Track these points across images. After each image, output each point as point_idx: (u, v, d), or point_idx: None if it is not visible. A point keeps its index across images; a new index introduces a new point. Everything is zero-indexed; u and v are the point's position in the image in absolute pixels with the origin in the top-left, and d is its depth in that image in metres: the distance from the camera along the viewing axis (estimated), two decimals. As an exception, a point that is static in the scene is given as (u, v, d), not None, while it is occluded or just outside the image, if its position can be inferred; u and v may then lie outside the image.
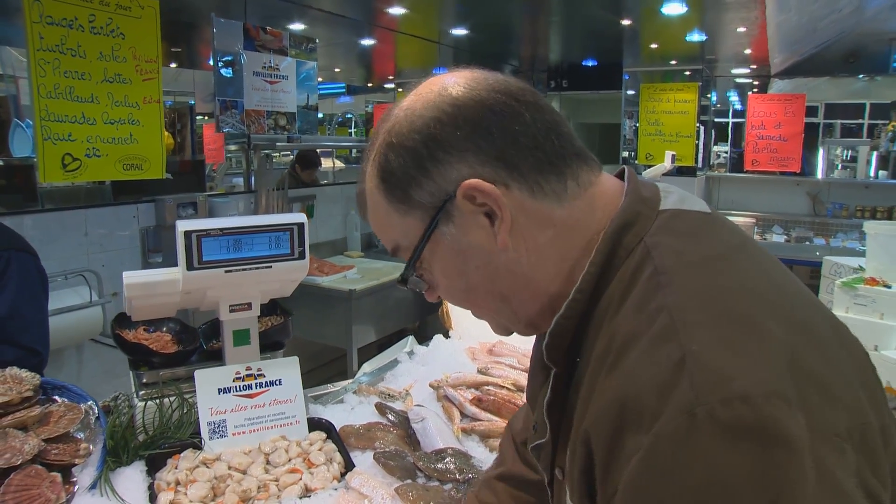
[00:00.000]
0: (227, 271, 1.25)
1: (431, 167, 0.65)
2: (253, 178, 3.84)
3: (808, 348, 0.53)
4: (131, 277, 1.22)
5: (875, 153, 7.49)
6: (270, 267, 1.30)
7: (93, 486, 1.17)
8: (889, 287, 3.06)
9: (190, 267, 1.21)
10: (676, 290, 0.56)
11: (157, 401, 1.36)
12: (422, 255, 0.69)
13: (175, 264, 1.26)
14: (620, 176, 0.71)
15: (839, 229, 6.68)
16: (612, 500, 0.54)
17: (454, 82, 0.67)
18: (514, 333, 0.75)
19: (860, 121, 10.81)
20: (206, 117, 7.01)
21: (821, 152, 7.62)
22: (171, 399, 1.37)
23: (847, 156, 8.43)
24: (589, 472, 0.58)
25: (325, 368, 4.11)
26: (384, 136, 0.68)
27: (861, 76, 8.03)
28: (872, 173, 7.27)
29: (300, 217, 1.32)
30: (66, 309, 2.67)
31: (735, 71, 7.58)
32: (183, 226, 1.21)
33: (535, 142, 0.64)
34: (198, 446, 1.30)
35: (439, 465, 1.34)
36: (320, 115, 4.62)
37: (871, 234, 3.28)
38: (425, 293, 0.74)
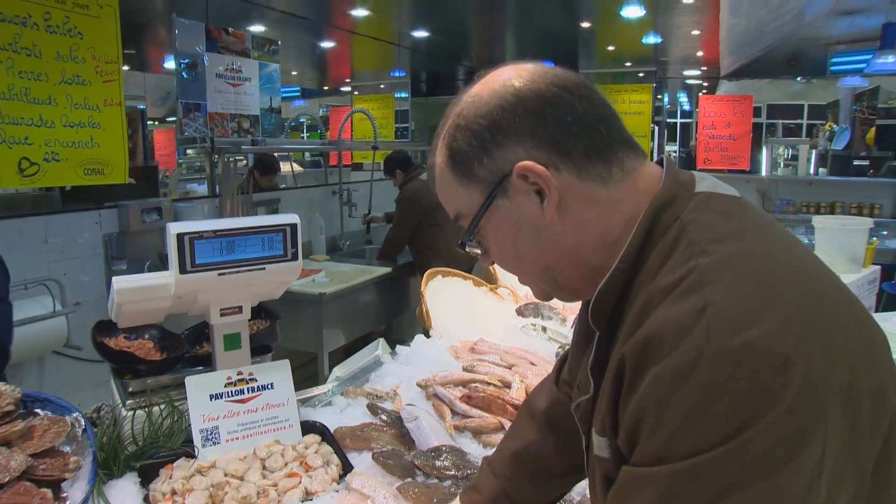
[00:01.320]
0: (220, 274, 1.23)
1: (492, 148, 0.73)
2: (217, 183, 3.75)
3: (819, 313, 0.60)
4: (122, 283, 1.18)
5: (814, 152, 7.85)
6: (264, 269, 1.28)
7: (85, 501, 1.13)
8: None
9: (183, 270, 1.18)
10: (708, 255, 0.63)
11: (146, 409, 1.32)
12: (479, 224, 0.77)
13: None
14: (661, 164, 0.78)
15: (788, 224, 6.96)
16: (624, 419, 0.64)
17: (517, 74, 0.75)
18: (554, 299, 0.83)
19: (799, 121, 11.31)
20: (157, 122, 6.81)
21: (764, 151, 7.94)
22: (161, 407, 1.33)
23: (788, 154, 8.81)
24: (617, 398, 0.67)
25: (295, 373, 4.04)
26: (453, 119, 0.77)
27: (799, 79, 8.42)
28: (812, 171, 7.62)
29: (293, 218, 1.30)
30: (29, 320, 2.54)
31: (687, 72, 7.82)
32: (175, 228, 1.17)
33: (584, 130, 0.72)
34: (191, 454, 1.27)
35: (437, 463, 1.34)
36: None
37: (819, 227, 3.44)
38: (481, 258, 0.83)
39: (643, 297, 0.66)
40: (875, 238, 3.28)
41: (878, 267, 3.13)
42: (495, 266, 2.74)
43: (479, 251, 0.82)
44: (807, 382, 0.55)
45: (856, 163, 6.61)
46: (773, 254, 0.65)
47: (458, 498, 1.09)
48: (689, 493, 0.57)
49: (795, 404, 0.54)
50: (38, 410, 1.29)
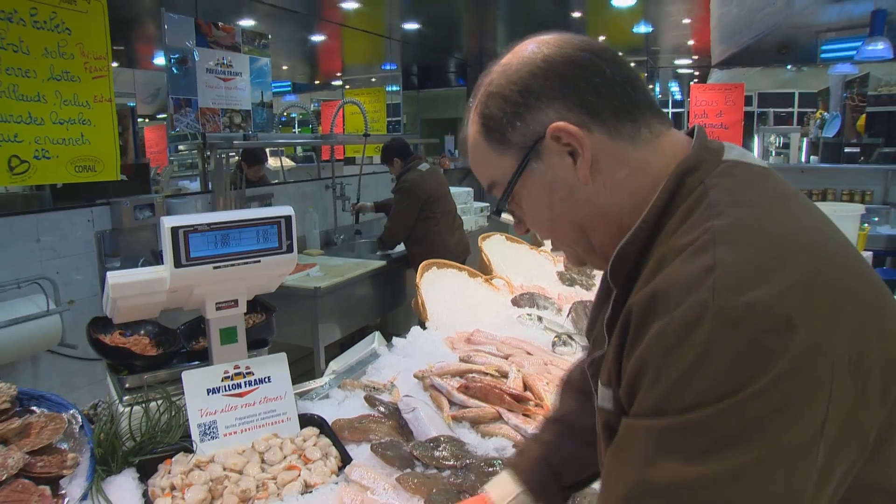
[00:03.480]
0: (215, 267, 1.22)
1: (525, 112, 0.75)
2: (210, 179, 3.73)
3: (829, 278, 0.60)
4: (116, 277, 1.17)
5: (805, 140, 7.88)
6: (259, 261, 1.27)
7: (84, 498, 1.13)
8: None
9: (178, 264, 1.18)
10: (724, 217, 0.64)
11: (143, 405, 1.31)
12: (514, 191, 0.79)
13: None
14: (690, 134, 0.79)
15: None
16: (626, 370, 0.65)
17: (545, 42, 0.77)
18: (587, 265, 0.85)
19: (790, 109, 11.35)
20: (147, 119, 6.76)
21: (756, 139, 7.97)
22: (158, 403, 1.33)
23: (780, 142, 8.84)
24: (622, 349, 0.68)
25: (291, 369, 4.04)
26: (485, 88, 0.79)
27: (789, 67, 8.43)
28: (804, 158, 7.64)
29: (287, 210, 1.30)
30: (22, 319, 2.52)
31: (678, 61, 7.82)
32: (169, 222, 1.17)
33: (613, 92, 0.73)
34: (189, 449, 1.26)
35: (436, 453, 1.34)
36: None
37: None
38: (515, 226, 0.85)
39: (658, 254, 0.68)
40: (866, 224, 3.30)
41: (870, 253, 3.15)
42: (490, 257, 2.75)
43: (512, 219, 0.83)
44: (810, 345, 0.55)
45: (847, 150, 6.64)
46: (791, 220, 0.66)
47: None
48: (684, 445, 0.58)
49: (797, 366, 0.55)
50: (34, 408, 1.28)
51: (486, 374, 1.73)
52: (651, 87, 7.88)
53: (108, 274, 1.18)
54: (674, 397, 0.59)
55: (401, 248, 4.41)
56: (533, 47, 0.76)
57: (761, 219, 0.64)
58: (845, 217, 3.05)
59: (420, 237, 4.17)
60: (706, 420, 0.56)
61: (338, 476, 1.25)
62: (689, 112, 7.35)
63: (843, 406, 0.56)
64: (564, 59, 0.74)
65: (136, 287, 1.20)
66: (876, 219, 5.65)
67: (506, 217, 0.83)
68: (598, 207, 0.76)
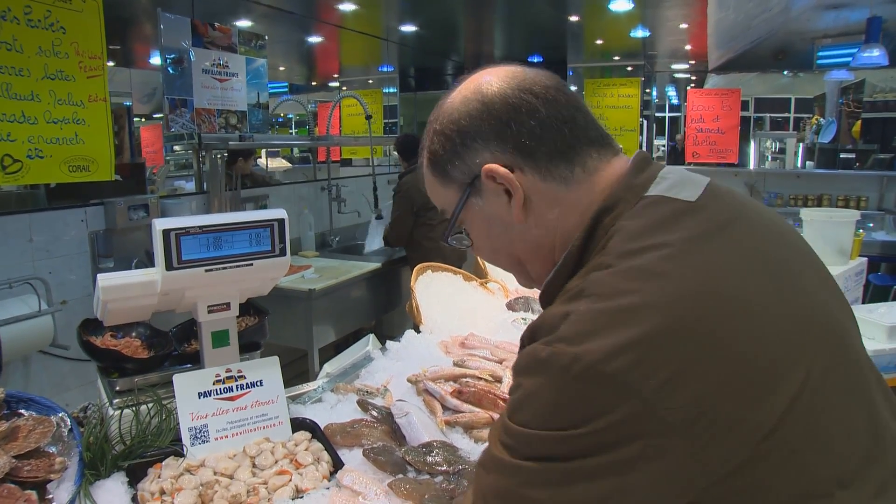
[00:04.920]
0: (207, 270, 1.21)
1: (463, 152, 0.79)
2: (205, 179, 3.71)
3: (678, 340, 0.60)
4: (107, 280, 1.16)
5: (801, 145, 7.91)
6: (251, 265, 1.27)
7: (72, 502, 1.11)
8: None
9: (169, 267, 1.16)
10: (605, 269, 0.68)
11: (134, 408, 1.30)
12: (460, 219, 0.84)
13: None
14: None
15: (775, 217, 6.99)
16: None
17: (488, 81, 0.80)
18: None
19: (786, 114, 11.39)
20: (144, 119, 6.74)
21: (752, 144, 7.99)
22: (148, 406, 1.32)
23: (776, 147, 8.87)
24: None
25: (285, 370, 4.02)
26: (432, 124, 0.84)
27: (786, 72, 8.46)
28: (800, 164, 7.67)
29: (280, 213, 1.29)
30: (13, 319, 2.51)
31: (675, 66, 7.85)
32: (161, 224, 1.16)
33: (548, 133, 0.76)
34: (179, 453, 1.25)
35: (428, 459, 1.34)
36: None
37: (806, 220, 3.46)
38: (470, 249, 0.89)
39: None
40: (862, 230, 3.31)
41: (865, 259, 3.16)
42: (485, 261, 2.74)
43: (466, 243, 0.88)
44: (628, 401, 0.57)
45: (842, 156, 6.67)
46: (669, 273, 0.64)
47: None
48: (510, 446, 0.65)
49: (614, 420, 0.58)
50: (22, 411, 1.27)
51: (480, 378, 1.72)
52: (648, 91, 7.90)
53: (99, 276, 1.17)
54: (513, 412, 0.66)
55: (399, 252, 4.41)
56: (475, 86, 0.80)
57: (634, 273, 0.65)
58: (841, 223, 3.05)
59: (417, 242, 4.17)
60: (527, 437, 0.63)
61: (329, 481, 1.24)
62: (685, 117, 7.36)
63: (664, 463, 0.58)
64: (501, 101, 0.77)
65: (126, 290, 1.19)
66: (871, 225, 5.67)
67: (456, 243, 0.88)
68: (532, 244, 0.81)
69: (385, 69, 7.08)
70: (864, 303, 3.12)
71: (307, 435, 1.37)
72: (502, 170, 0.76)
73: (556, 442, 0.61)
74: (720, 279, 0.65)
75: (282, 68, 7.93)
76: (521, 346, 0.71)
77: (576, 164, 0.77)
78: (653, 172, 0.76)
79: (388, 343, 2.05)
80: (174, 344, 1.46)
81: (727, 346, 0.61)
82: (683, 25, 5.17)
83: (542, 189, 0.77)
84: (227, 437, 1.31)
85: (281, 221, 1.28)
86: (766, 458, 0.59)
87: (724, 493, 0.60)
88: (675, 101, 12.27)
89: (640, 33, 5.48)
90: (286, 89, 9.06)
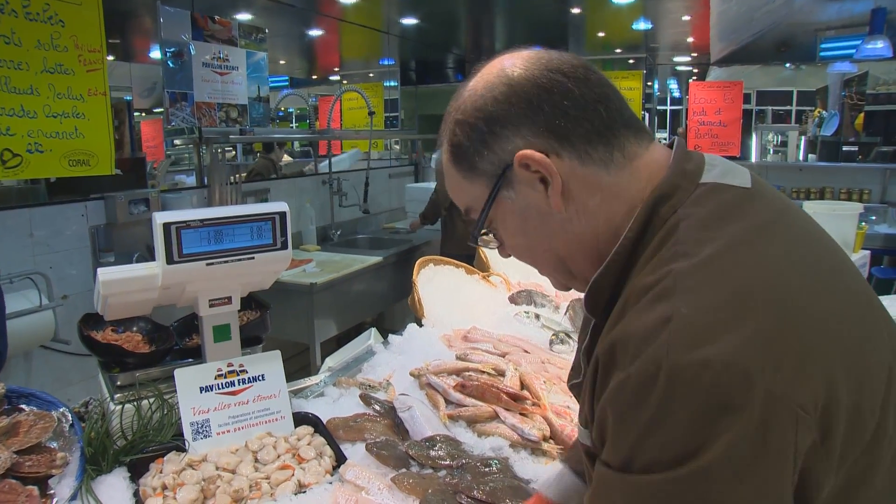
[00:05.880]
0: (208, 264, 1.20)
1: (491, 140, 0.73)
2: (205, 173, 3.70)
3: (789, 331, 0.58)
4: (107, 274, 1.15)
5: (804, 138, 7.88)
6: (253, 258, 1.25)
7: (73, 497, 1.11)
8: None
9: (170, 260, 1.15)
10: (687, 258, 0.62)
11: (135, 403, 1.29)
12: (489, 217, 0.77)
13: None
14: (672, 146, 0.76)
15: (778, 210, 6.96)
16: (596, 414, 0.65)
17: (511, 63, 0.74)
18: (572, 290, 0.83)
19: (788, 107, 11.36)
20: (144, 113, 6.73)
21: (754, 137, 7.96)
22: (150, 401, 1.31)
23: (778, 140, 8.84)
24: (594, 393, 0.68)
25: (287, 364, 4.02)
26: (453, 114, 0.77)
27: (788, 65, 8.42)
28: (802, 157, 7.64)
29: (282, 206, 1.28)
30: (14, 314, 2.50)
31: (677, 59, 7.81)
32: (161, 217, 1.15)
33: (583, 114, 0.70)
34: (181, 448, 1.24)
35: (431, 453, 1.33)
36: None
37: (809, 213, 3.45)
38: (498, 249, 0.83)
39: (628, 290, 0.66)
40: (864, 223, 3.30)
41: (868, 252, 3.15)
42: (487, 254, 2.73)
43: (494, 244, 0.82)
44: (771, 397, 0.54)
45: (845, 148, 6.64)
46: (757, 266, 0.62)
47: None
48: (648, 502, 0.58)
49: (760, 419, 0.53)
50: (23, 406, 1.26)
51: (483, 372, 1.71)
52: (650, 84, 7.87)
53: (99, 270, 1.16)
54: (635, 455, 0.58)
55: (401, 246, 4.43)
56: (498, 70, 0.74)
57: (726, 261, 0.62)
58: (844, 216, 3.04)
59: (452, 221, 4.44)
60: (666, 483, 0.56)
61: (332, 476, 1.24)
62: (687, 109, 7.33)
63: (806, 455, 0.55)
64: (529, 83, 0.71)
65: (127, 284, 1.18)
66: (874, 217, 5.65)
67: (485, 243, 0.82)
68: (574, 235, 0.74)
69: (386, 62, 7.05)
70: (867, 296, 3.12)
71: (309, 429, 1.37)
72: (538, 155, 0.70)
73: (694, 478, 0.55)
74: (809, 262, 0.65)
75: (282, 62, 7.91)
76: (602, 372, 0.64)
77: (614, 147, 0.71)
78: (700, 159, 0.73)
79: (391, 337, 2.04)
80: (175, 338, 1.45)
81: (838, 332, 0.60)
82: (686, 17, 5.14)
83: (581, 174, 0.71)
84: (229, 431, 1.31)
85: (282, 214, 1.27)
86: (878, 444, 0.59)
87: (842, 482, 0.59)
88: (676, 94, 12.23)
89: (641, 25, 5.45)
90: (287, 83, 9.04)
